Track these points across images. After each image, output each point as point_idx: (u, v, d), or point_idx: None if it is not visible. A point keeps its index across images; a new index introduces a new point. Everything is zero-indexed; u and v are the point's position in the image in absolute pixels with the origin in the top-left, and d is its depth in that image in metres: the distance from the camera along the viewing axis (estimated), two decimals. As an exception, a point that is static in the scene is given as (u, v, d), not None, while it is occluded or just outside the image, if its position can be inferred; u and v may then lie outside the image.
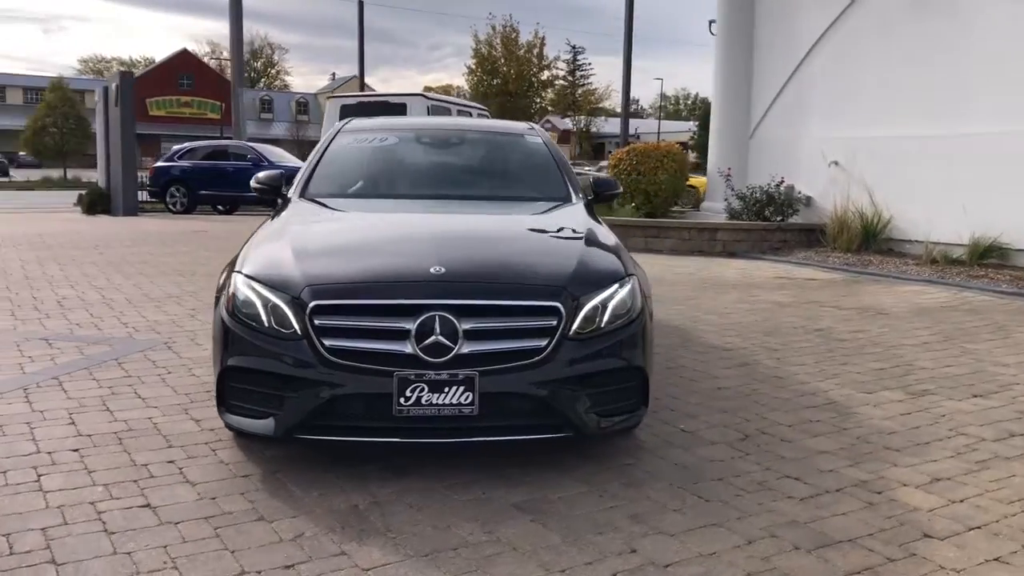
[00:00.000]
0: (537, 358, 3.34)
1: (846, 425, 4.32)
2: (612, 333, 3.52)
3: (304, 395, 3.31)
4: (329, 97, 15.74)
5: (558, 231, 4.10)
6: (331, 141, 5.27)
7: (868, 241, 11.90)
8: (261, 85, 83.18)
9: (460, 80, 64.35)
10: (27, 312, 6.96)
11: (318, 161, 5.09)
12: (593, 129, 68.11)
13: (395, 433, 3.31)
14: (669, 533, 3.02)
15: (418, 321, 3.25)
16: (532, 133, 5.44)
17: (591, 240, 4.00)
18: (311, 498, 3.25)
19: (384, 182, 5.04)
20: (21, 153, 60.63)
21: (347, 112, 13.46)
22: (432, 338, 3.25)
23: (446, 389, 3.26)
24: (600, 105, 68.29)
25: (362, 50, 31.93)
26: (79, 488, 3.31)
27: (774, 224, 12.86)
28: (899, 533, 3.06)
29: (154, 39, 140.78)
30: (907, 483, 3.55)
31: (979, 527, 3.13)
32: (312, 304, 3.32)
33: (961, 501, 3.37)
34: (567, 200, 4.81)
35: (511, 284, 3.47)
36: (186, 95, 67.43)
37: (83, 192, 20.82)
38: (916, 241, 11.50)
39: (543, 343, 3.36)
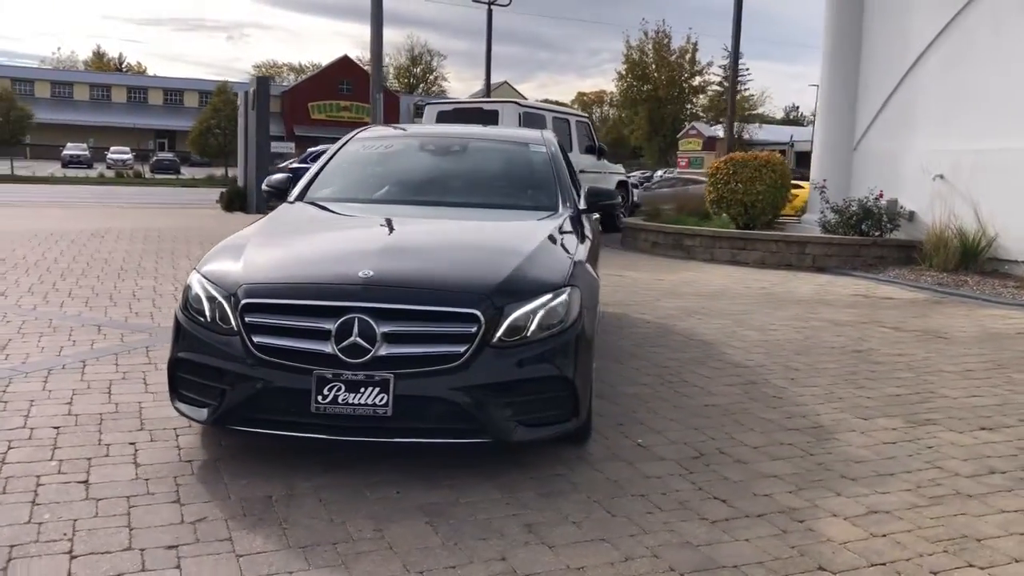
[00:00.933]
0: (455, 364, 3.41)
1: (815, 451, 4.15)
2: (540, 343, 3.55)
3: (236, 388, 3.51)
4: (428, 104, 16.19)
5: (514, 240, 4.15)
6: (342, 146, 5.50)
7: (968, 260, 11.21)
8: (420, 90, 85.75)
9: (613, 86, 64.05)
10: (101, 300, 7.54)
11: (323, 165, 5.32)
12: (746, 136, 66.46)
13: (313, 429, 3.46)
14: (550, 545, 3.03)
15: (338, 322, 3.39)
16: (538, 143, 5.49)
17: (544, 250, 4.03)
18: (236, 486, 3.44)
19: (378, 188, 5.20)
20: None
21: (442, 118, 13.80)
22: (351, 339, 3.38)
23: (362, 389, 3.38)
24: (755, 111, 66.55)
25: (489, 56, 32.63)
26: (36, 462, 3.62)
27: (869, 239, 12.30)
28: (792, 563, 2.96)
29: (325, 45, 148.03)
30: (838, 514, 3.40)
31: (882, 564, 2.98)
32: (244, 302, 3.52)
33: (883, 536, 3.21)
34: (553, 210, 4.83)
35: (431, 291, 3.55)
36: (345, 99, 70.37)
37: (223, 190, 22.19)
38: (1021, 262, 10.75)
39: (461, 349, 3.42)
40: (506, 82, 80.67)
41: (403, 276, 3.60)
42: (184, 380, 3.69)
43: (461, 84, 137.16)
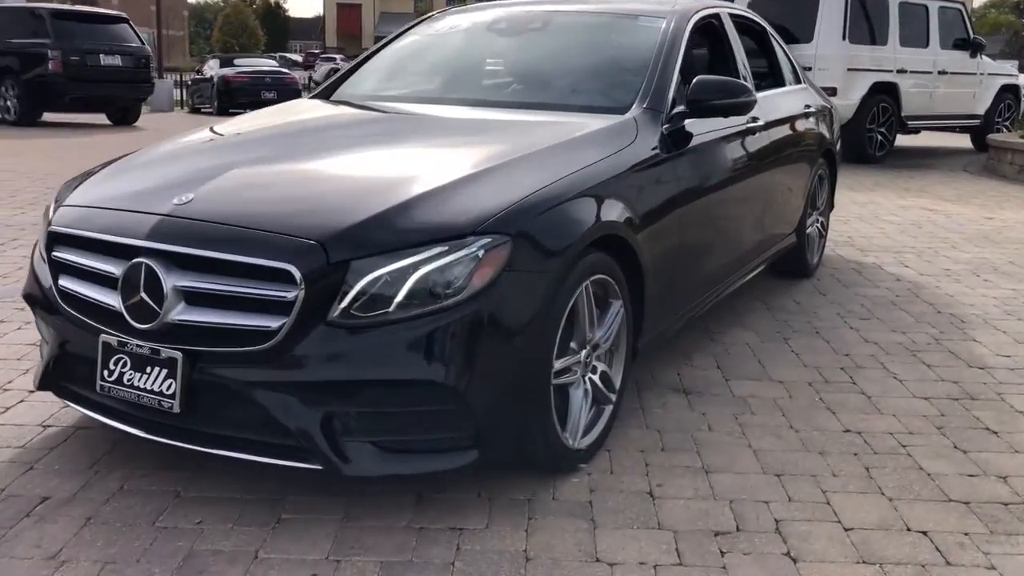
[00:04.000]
0: (263, 346, 2.23)
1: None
2: (412, 323, 2.22)
3: (49, 345, 2.69)
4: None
5: (459, 161, 2.72)
6: (407, 30, 4.29)
7: None
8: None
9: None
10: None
11: (371, 54, 4.18)
12: None
13: (106, 412, 2.51)
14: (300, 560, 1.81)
15: (126, 268, 2.37)
16: (658, 16, 3.75)
17: (492, 176, 2.59)
18: (79, 472, 2.62)
19: (412, 83, 3.94)
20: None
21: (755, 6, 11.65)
22: (138, 295, 2.34)
23: (147, 369, 2.35)
24: None
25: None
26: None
27: None
28: None
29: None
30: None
31: None
32: (49, 230, 2.64)
33: None
34: (619, 111, 3.22)
35: (245, 231, 2.34)
36: None
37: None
38: None
39: (274, 325, 2.23)
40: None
41: (220, 211, 2.43)
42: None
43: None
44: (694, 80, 3.33)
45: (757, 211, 4.06)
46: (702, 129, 3.45)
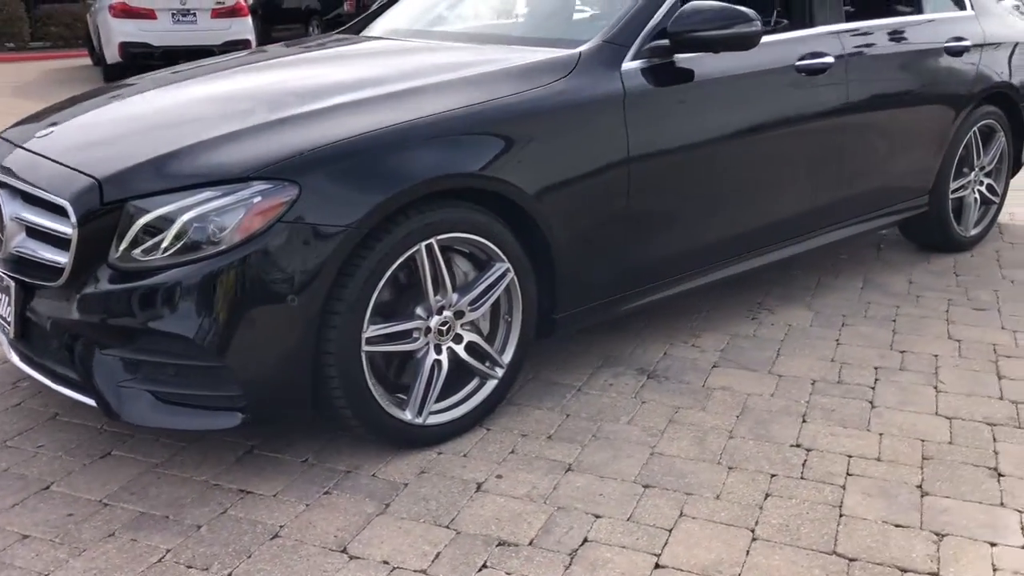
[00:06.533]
0: (56, 283, 2.26)
1: None
2: (174, 272, 2.12)
3: None
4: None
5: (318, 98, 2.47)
6: None
7: None
8: None
9: None
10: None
11: None
12: None
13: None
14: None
15: None
16: None
17: (365, 107, 2.38)
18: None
19: (423, 16, 3.62)
20: None
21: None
22: (-5, 224, 2.47)
23: (1, 296, 2.48)
24: None
25: None
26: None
27: None
28: None
29: None
30: None
31: None
32: None
33: None
34: (570, 46, 2.74)
35: (50, 165, 2.35)
36: None
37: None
38: None
39: (61, 260, 2.24)
40: None
41: (53, 145, 2.46)
42: None
43: None
44: (681, 7, 2.78)
45: (823, 167, 3.33)
46: (714, 67, 2.89)
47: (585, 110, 2.61)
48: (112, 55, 11.46)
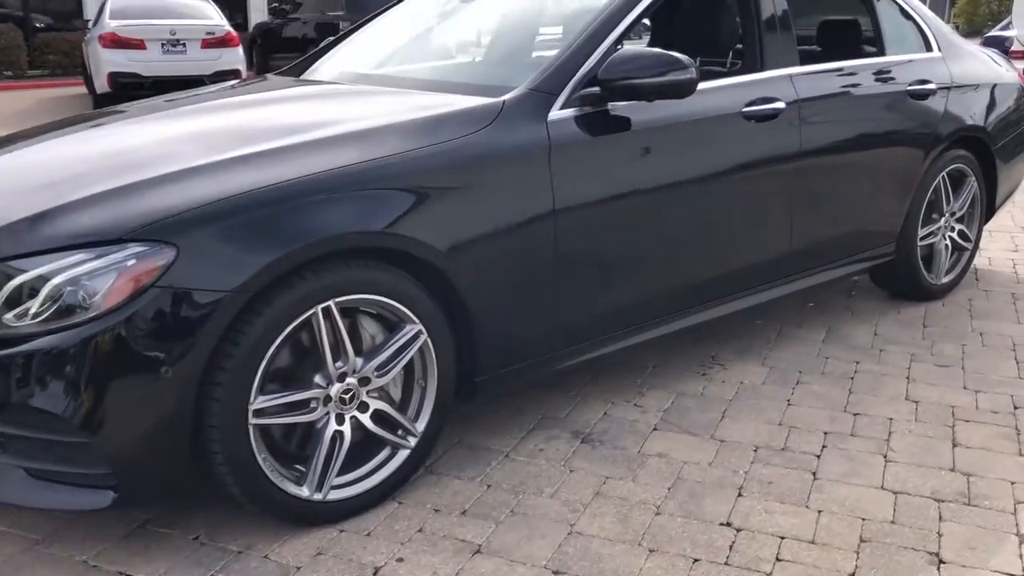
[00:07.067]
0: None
1: None
2: (41, 341, 1.98)
3: None
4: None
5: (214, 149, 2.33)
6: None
7: None
8: None
9: None
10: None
11: (366, 21, 3.77)
12: None
13: None
14: None
15: None
16: None
17: (259, 160, 2.24)
18: None
19: (366, 58, 3.49)
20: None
21: None
22: None
23: None
24: None
25: None
26: None
27: None
28: None
29: None
30: None
31: None
32: None
33: None
34: (498, 92, 2.61)
35: None
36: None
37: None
38: None
39: None
40: None
41: None
42: None
43: None
44: (611, 55, 2.64)
45: (775, 216, 3.18)
46: (655, 115, 2.75)
47: (504, 163, 2.46)
48: (101, 85, 11.42)
